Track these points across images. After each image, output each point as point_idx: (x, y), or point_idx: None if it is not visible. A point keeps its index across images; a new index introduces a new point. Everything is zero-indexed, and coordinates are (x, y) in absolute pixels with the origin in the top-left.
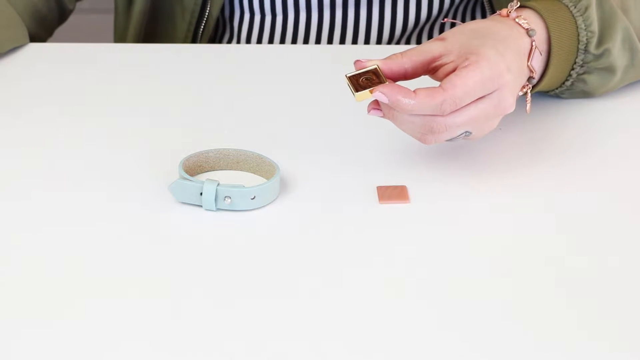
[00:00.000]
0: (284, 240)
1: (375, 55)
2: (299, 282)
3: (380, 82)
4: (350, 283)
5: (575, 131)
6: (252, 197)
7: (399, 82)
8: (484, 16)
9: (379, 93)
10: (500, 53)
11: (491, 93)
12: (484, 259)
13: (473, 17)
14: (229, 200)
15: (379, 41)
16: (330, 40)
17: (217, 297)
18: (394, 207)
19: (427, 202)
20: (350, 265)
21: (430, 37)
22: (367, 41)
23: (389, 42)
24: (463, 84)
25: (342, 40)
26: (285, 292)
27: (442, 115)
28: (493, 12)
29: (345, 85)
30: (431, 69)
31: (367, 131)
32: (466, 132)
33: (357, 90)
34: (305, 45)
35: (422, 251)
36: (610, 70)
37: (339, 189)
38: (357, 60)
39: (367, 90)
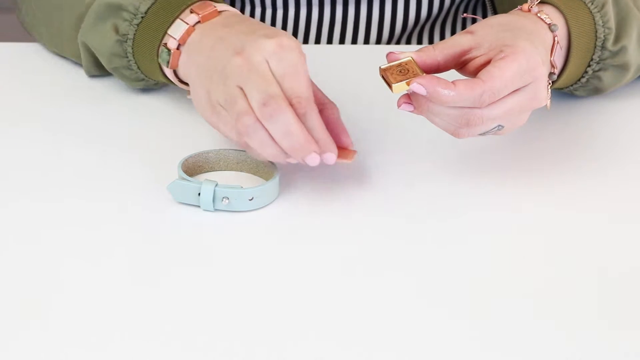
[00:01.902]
0: (282, 242)
1: (376, 55)
2: (297, 283)
3: (416, 74)
4: (350, 284)
5: (583, 130)
6: (250, 198)
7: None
8: (484, 15)
9: (417, 85)
10: (535, 46)
11: (527, 85)
12: (487, 258)
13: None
14: (227, 201)
15: (379, 39)
16: (330, 38)
17: (214, 297)
18: (395, 207)
19: (430, 201)
20: (350, 266)
21: (431, 36)
22: (367, 39)
23: (389, 40)
24: (502, 76)
25: (342, 38)
26: (284, 293)
27: (479, 108)
28: (494, 10)
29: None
30: (461, 62)
31: (368, 132)
32: (499, 125)
33: (394, 82)
34: (306, 45)
35: (424, 251)
36: (624, 67)
37: (339, 191)
38: (390, 53)
39: (403, 82)
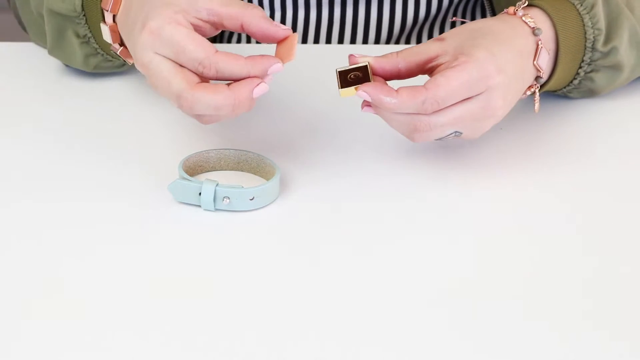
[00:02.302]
0: (282, 242)
1: (375, 55)
2: (297, 283)
3: (366, 80)
4: (350, 284)
5: (579, 130)
6: (251, 197)
7: (393, 81)
8: (483, 15)
9: (362, 92)
10: (493, 54)
11: (479, 94)
12: (487, 258)
13: (473, 16)
14: (227, 200)
15: (377, 39)
16: (328, 39)
17: (214, 297)
18: (396, 208)
19: (429, 201)
20: (351, 267)
21: (430, 36)
22: (365, 39)
23: (388, 40)
24: (447, 84)
25: (341, 39)
26: (284, 292)
27: (425, 114)
28: (492, 10)
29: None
30: (427, 69)
31: (368, 132)
32: (456, 132)
33: (342, 87)
34: (306, 45)
35: (423, 251)
36: (617, 68)
37: (339, 190)
38: (351, 55)
39: (352, 88)
